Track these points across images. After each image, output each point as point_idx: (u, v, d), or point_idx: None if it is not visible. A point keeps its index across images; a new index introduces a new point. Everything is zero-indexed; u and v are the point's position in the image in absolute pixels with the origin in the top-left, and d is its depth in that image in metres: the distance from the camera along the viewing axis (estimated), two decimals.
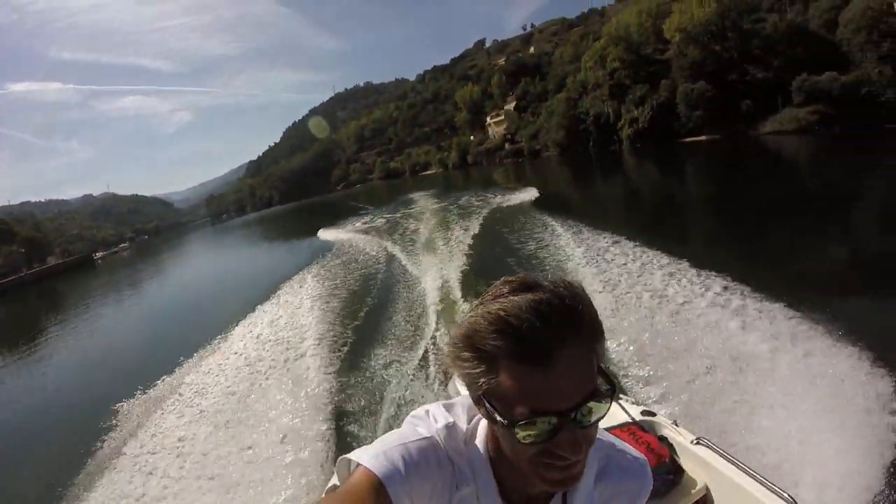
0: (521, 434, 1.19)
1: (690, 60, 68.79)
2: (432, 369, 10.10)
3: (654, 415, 4.83)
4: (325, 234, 46.10)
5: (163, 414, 12.10)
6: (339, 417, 9.16)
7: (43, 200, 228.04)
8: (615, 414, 4.57)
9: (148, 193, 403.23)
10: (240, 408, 10.99)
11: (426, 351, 11.38)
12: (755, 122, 56.89)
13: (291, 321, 16.86)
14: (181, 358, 16.25)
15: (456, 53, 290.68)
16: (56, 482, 10.29)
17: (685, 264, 12.74)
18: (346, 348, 13.07)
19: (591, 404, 1.21)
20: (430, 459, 1.38)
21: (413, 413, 1.59)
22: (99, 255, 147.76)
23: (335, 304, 17.90)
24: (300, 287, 22.66)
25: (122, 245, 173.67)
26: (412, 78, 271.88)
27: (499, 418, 1.21)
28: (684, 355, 8.25)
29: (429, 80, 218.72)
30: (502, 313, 1.18)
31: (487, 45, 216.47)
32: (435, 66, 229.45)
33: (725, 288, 10.66)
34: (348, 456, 1.46)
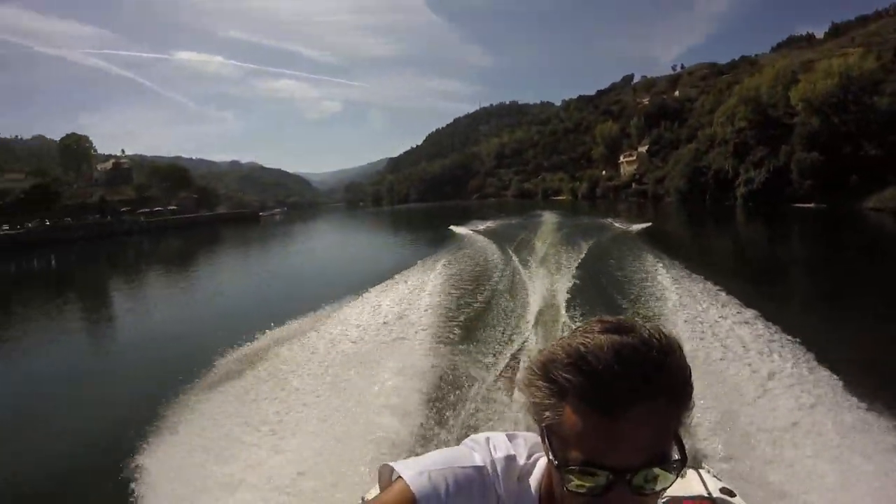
0: (571, 482, 1.11)
1: (809, 130, 70.56)
2: (515, 392, 9.19)
3: (733, 495, 4.10)
4: (455, 230, 49.66)
5: (270, 363, 12.71)
6: (410, 413, 8.98)
7: (194, 158, 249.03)
8: (690, 485, 3.75)
9: (290, 170, 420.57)
10: (336, 373, 11.46)
11: (512, 368, 11.13)
12: (861, 197, 58.11)
13: (406, 303, 17.60)
14: (301, 315, 17.40)
15: (603, 84, 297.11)
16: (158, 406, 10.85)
17: (777, 329, 12.04)
18: (445, 341, 13.19)
19: (656, 471, 1.10)
20: (473, 490, 1.28)
21: (473, 437, 1.48)
22: (262, 213, 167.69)
23: (448, 295, 18.64)
24: (422, 273, 23.88)
25: (277, 210, 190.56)
26: (557, 102, 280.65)
27: (552, 458, 1.14)
28: (772, 430, 7.47)
29: (573, 108, 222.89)
30: (582, 348, 1.10)
31: (636, 80, 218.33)
32: (581, 96, 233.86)
33: (815, 361, 9.79)
34: (391, 464, 1.37)
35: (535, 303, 16.85)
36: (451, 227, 51.74)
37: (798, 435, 7.32)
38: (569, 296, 17.93)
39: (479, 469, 1.32)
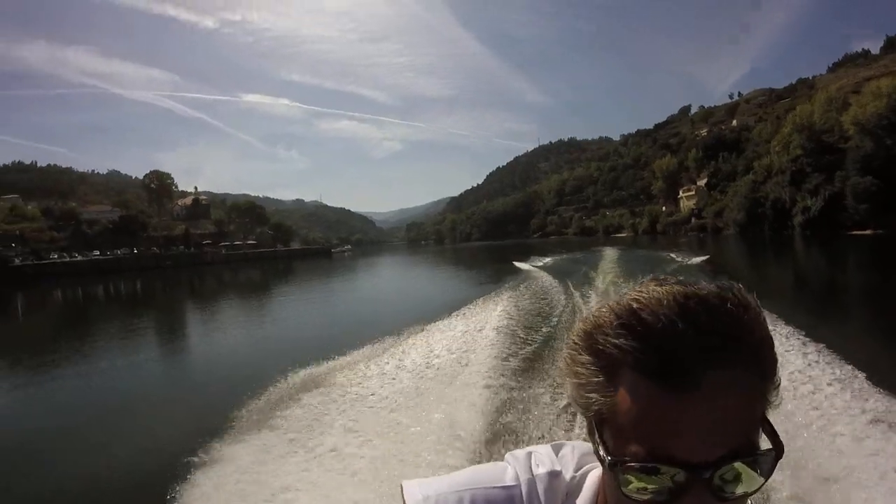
0: (629, 484, 0.83)
1: (863, 153, 69.35)
2: (577, 431, 8.70)
3: None
4: (518, 265, 49.74)
5: (328, 391, 13.00)
6: (466, 449, 8.57)
7: (261, 196, 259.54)
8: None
9: (353, 209, 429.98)
10: (394, 404, 11.42)
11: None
12: None
13: (467, 337, 17.34)
14: (365, 345, 17.57)
15: (661, 115, 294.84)
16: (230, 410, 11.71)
17: (839, 358, 11.09)
18: (504, 376, 12.66)
19: (739, 466, 0.80)
20: None
21: (513, 452, 1.20)
22: (333, 250, 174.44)
23: (509, 331, 17.85)
24: (484, 308, 23.64)
25: (347, 247, 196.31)
26: (615, 137, 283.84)
27: (603, 455, 0.86)
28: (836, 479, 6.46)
29: (631, 143, 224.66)
30: (635, 304, 0.84)
31: (693, 110, 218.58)
32: (638, 130, 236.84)
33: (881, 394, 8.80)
34: (405, 483, 1.16)
35: None
36: (514, 263, 52.01)
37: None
38: None
39: (508, 489, 1.09)
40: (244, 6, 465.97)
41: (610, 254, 56.47)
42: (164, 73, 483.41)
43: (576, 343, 0.90)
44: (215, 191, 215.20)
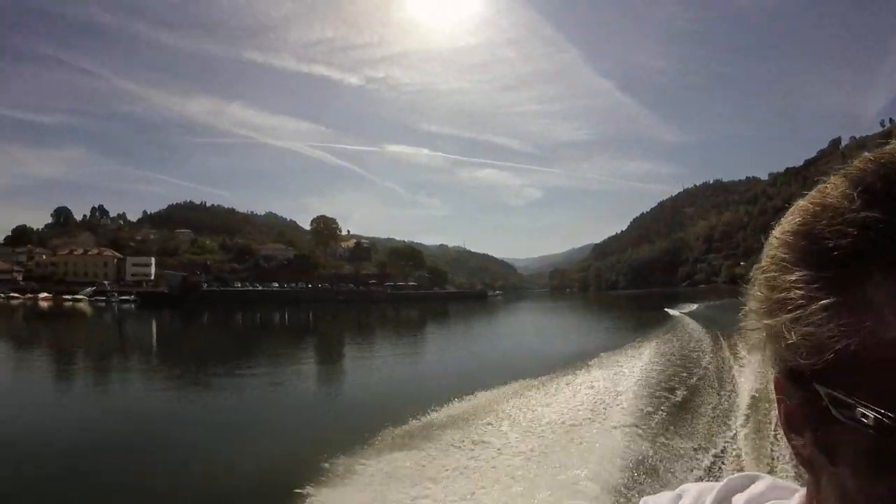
0: None
1: None
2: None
3: None
4: (665, 312, 51.66)
5: (468, 427, 13.48)
6: (605, 497, 8.45)
7: (406, 241, 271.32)
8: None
9: (495, 254, 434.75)
10: (537, 446, 11.53)
11: (709, 470, 10.07)
12: None
13: (611, 384, 17.40)
14: (511, 383, 18.73)
15: (810, 150, 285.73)
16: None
17: None
18: (647, 426, 12.44)
19: None
20: None
21: (655, 498, 0.90)
22: (489, 294, 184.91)
23: (654, 381, 17.80)
24: (629, 354, 24.15)
25: (498, 292, 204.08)
26: (763, 176, 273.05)
27: (870, 415, 0.50)
28: None
29: (780, 183, 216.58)
30: (881, 170, 0.55)
31: (844, 142, 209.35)
32: (787, 169, 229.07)
33: None
34: None
35: (745, 395, 15.50)
36: (661, 310, 54.57)
37: None
38: None
39: None
40: (387, 64, 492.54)
41: None
42: (314, 125, 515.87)
43: (779, 257, 0.61)
44: (363, 234, 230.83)
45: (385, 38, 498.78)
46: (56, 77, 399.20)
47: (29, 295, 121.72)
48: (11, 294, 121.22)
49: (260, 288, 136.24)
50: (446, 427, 13.85)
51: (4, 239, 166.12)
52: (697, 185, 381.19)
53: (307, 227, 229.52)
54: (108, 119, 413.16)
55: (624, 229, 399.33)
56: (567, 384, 18.75)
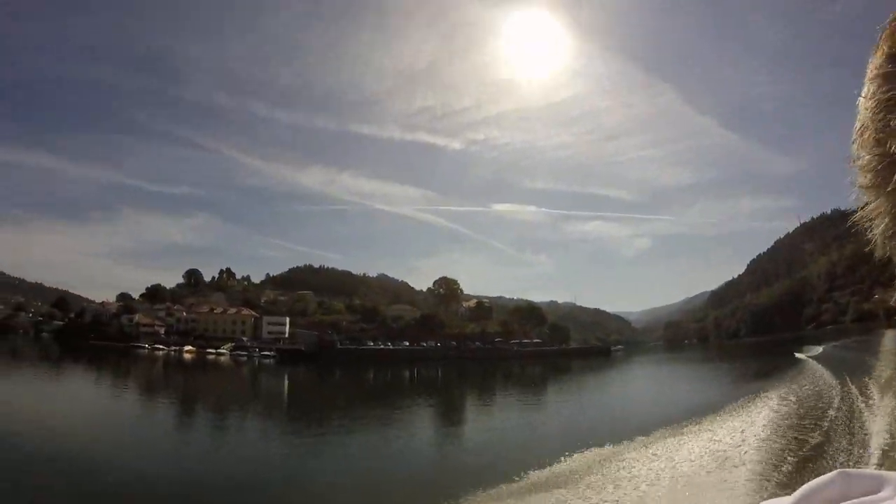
0: None
1: None
2: None
3: None
4: (789, 358, 50.65)
5: (608, 469, 14.13)
6: None
7: (514, 298, 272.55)
8: None
9: (605, 308, 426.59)
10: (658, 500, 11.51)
11: None
12: None
13: (737, 436, 17.24)
14: (635, 437, 19.23)
15: None
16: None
17: None
18: (773, 480, 11.87)
19: None
20: None
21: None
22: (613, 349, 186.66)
23: (780, 431, 17.38)
24: (751, 407, 23.90)
25: (620, 347, 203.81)
26: None
27: None
28: None
29: None
30: None
31: None
32: None
33: None
34: None
35: (878, 438, 14.82)
36: (784, 356, 53.66)
37: None
38: None
39: None
40: (486, 126, 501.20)
41: (890, 337, 50.60)
42: (420, 189, 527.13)
43: (881, 98, 0.60)
44: (471, 293, 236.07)
45: (482, 101, 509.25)
46: (180, 153, 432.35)
47: (174, 347, 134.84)
48: (156, 346, 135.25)
49: (391, 346, 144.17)
50: (561, 483, 14.41)
51: (140, 296, 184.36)
52: (815, 217, 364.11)
53: (417, 287, 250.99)
54: (229, 190, 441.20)
55: (741, 273, 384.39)
56: (693, 436, 19.28)
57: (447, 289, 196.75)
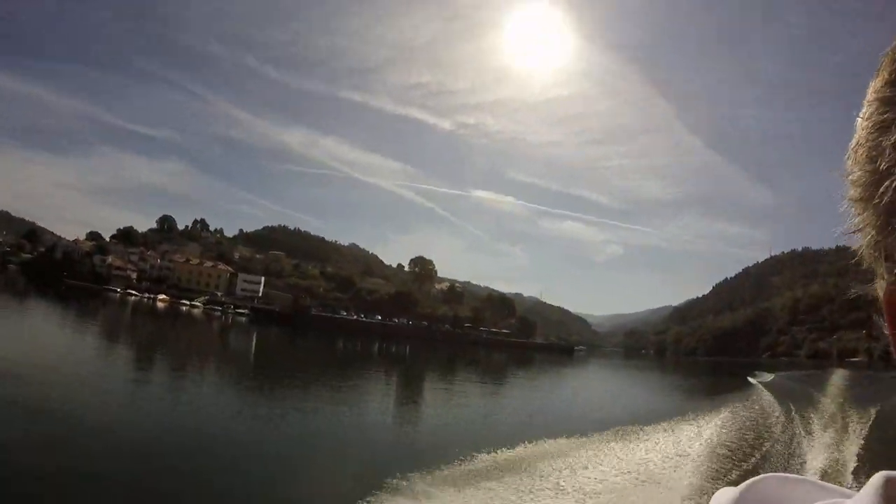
0: None
1: None
2: None
3: None
4: (740, 381, 51.70)
5: (529, 472, 14.35)
6: None
7: (481, 285, 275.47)
8: None
9: (570, 309, 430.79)
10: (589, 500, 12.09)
11: None
12: None
13: (678, 446, 17.87)
14: (573, 436, 19.63)
15: None
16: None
17: None
18: (713, 488, 11.33)
19: None
20: None
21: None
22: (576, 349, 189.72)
23: (723, 447, 18.08)
24: (697, 422, 24.46)
25: (582, 348, 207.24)
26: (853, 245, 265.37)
27: None
28: None
29: None
30: None
31: None
32: None
33: None
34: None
35: (814, 467, 15.88)
36: (736, 378, 55.15)
37: None
38: (857, 464, 16.14)
39: None
40: (479, 111, 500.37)
41: (839, 376, 54.49)
42: (403, 164, 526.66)
43: (877, 120, 0.64)
44: (441, 275, 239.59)
45: (478, 86, 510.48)
46: (167, 96, 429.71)
47: (146, 294, 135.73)
48: (128, 291, 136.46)
49: (364, 318, 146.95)
50: (512, 469, 14.83)
51: (112, 237, 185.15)
52: (786, 252, 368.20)
53: (387, 261, 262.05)
54: (210, 139, 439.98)
55: (706, 293, 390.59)
56: (641, 441, 19.83)
57: (422, 269, 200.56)
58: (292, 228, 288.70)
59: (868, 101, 0.64)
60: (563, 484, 13.58)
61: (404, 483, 13.36)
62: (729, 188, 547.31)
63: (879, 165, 0.60)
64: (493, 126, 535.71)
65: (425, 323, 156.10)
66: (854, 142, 0.66)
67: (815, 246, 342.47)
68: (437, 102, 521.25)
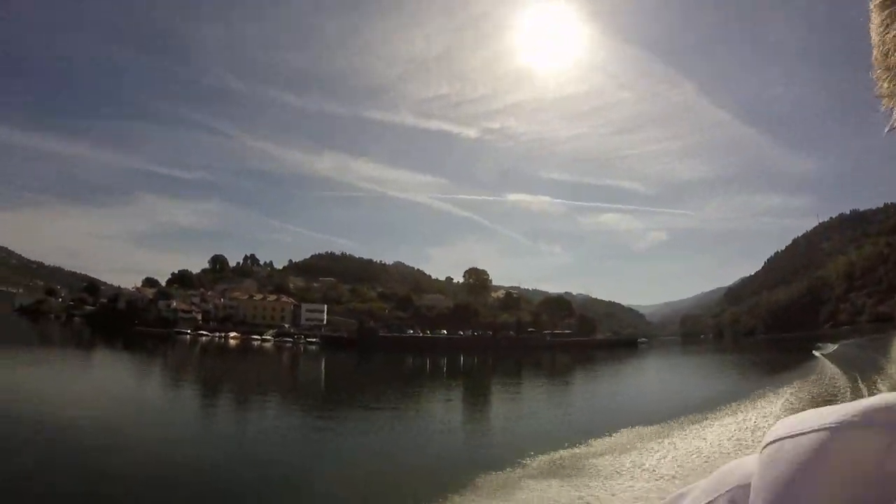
0: None
1: None
2: None
3: None
4: (815, 354, 51.34)
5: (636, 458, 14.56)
6: None
7: (529, 289, 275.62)
8: None
9: (621, 302, 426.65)
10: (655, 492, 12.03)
11: None
12: None
13: (743, 431, 17.67)
14: (651, 425, 19.88)
15: None
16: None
17: None
18: None
19: None
20: None
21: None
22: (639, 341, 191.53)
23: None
24: (758, 404, 24.16)
25: (644, 339, 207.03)
26: None
27: None
28: None
29: None
30: None
31: None
32: None
33: None
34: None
35: None
36: (797, 353, 55.05)
37: None
38: None
39: None
40: (502, 115, 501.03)
41: None
42: (434, 177, 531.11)
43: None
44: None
45: (498, 91, 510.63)
46: (195, 137, 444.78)
47: (217, 333, 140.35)
48: (199, 332, 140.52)
49: (430, 334, 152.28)
50: (591, 458, 15.18)
51: (168, 282, 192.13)
52: (833, 216, 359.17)
53: (433, 275, 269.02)
54: (243, 174, 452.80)
55: (757, 270, 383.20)
56: (711, 426, 20.20)
57: (477, 279, 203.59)
58: (338, 253, 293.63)
59: (874, 6, 0.69)
60: (642, 466, 14.08)
61: (485, 481, 13.87)
62: (764, 160, 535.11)
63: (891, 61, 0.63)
64: (517, 128, 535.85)
65: (489, 332, 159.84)
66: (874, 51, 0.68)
67: (862, 207, 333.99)
68: (459, 112, 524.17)
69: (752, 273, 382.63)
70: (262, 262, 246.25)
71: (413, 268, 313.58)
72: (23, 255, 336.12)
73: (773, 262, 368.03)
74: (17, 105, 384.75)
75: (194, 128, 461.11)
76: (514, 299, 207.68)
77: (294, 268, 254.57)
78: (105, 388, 41.66)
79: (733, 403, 25.59)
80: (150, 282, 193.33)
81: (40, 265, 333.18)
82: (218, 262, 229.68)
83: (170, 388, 45.68)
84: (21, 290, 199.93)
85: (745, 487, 0.83)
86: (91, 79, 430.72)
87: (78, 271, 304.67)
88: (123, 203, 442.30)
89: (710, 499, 0.85)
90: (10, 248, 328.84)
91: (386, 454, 20.83)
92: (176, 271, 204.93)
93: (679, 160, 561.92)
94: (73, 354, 69.53)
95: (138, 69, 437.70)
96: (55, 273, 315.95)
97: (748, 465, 0.86)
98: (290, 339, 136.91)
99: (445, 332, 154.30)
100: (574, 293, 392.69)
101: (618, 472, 14.14)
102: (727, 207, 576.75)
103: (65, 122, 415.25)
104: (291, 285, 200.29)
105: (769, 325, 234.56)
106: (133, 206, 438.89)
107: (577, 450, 17.73)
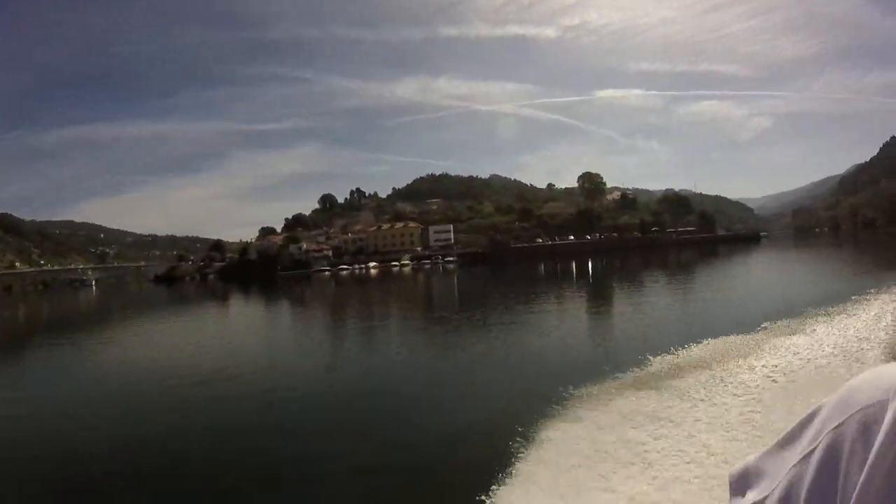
0: None
1: None
2: None
3: None
4: None
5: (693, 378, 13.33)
6: None
7: (630, 188, 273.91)
8: None
9: (726, 195, 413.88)
10: (763, 403, 11.13)
11: None
12: None
13: (856, 333, 16.49)
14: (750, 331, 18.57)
15: None
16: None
17: None
18: None
19: None
20: None
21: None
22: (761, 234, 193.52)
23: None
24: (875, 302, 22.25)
25: (764, 233, 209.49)
26: None
27: None
28: None
29: None
30: None
31: None
32: None
33: None
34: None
35: None
36: None
37: None
38: None
39: None
40: (582, 8, 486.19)
41: None
42: (520, 84, 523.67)
43: None
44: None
45: None
46: (279, 91, 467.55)
47: (357, 266, 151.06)
48: (341, 267, 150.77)
49: (558, 241, 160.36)
50: (693, 370, 14.36)
51: (283, 228, 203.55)
52: None
53: (529, 184, 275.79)
54: (331, 116, 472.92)
55: (873, 155, 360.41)
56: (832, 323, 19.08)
57: (591, 183, 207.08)
58: (438, 175, 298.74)
59: None
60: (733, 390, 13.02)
61: (579, 390, 13.86)
62: (874, 31, 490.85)
63: None
64: (598, 20, 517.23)
65: (615, 234, 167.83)
66: None
67: None
68: (533, 12, 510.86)
69: (868, 159, 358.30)
70: (367, 195, 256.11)
71: (510, 178, 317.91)
72: (135, 231, 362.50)
73: (892, 147, 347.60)
74: (103, 98, 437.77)
75: (276, 81, 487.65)
76: (631, 200, 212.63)
77: (398, 195, 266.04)
78: (280, 323, 48.64)
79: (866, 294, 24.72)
80: (264, 230, 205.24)
81: (154, 237, 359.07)
82: (327, 200, 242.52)
83: (337, 312, 52.96)
84: (143, 264, 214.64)
85: (878, 405, 0.74)
86: (162, 62, 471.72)
87: (190, 234, 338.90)
88: (221, 166, 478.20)
89: (840, 420, 0.77)
90: (123, 228, 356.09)
91: (503, 364, 21.11)
92: (290, 217, 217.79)
93: (779, 36, 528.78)
94: (231, 303, 75.70)
95: (209, 43, 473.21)
96: (169, 241, 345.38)
97: (880, 379, 0.77)
98: (428, 261, 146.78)
99: (573, 237, 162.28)
100: (677, 189, 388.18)
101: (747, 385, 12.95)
102: (836, 86, 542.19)
103: (149, 106, 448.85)
104: (408, 210, 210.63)
105: (892, 216, 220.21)
106: (232, 165, 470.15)
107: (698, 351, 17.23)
